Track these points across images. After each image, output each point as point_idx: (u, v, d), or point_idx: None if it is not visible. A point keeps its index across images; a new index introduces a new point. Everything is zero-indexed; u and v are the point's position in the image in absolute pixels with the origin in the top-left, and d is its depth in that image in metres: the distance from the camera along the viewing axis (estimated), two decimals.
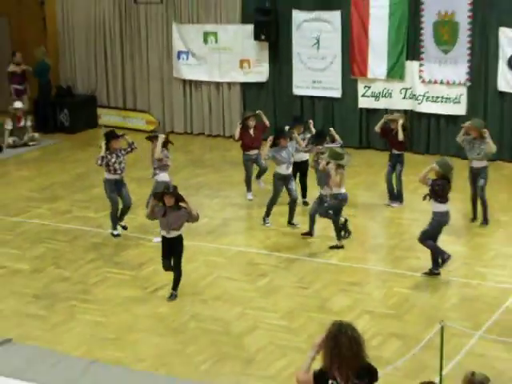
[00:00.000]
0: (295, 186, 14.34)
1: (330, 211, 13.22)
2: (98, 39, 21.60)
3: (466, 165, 14.54)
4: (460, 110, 17.82)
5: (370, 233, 14.56)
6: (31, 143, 19.97)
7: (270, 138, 14.15)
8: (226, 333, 10.66)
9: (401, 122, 14.84)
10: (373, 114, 18.48)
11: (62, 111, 21.15)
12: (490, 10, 17.28)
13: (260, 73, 19.76)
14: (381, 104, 18.55)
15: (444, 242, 12.36)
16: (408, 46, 18.21)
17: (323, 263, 12.84)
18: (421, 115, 18.37)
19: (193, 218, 11.44)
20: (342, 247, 13.27)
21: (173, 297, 11.62)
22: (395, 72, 18.34)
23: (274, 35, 19.22)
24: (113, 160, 13.64)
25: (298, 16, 19.01)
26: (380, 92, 18.57)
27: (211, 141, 20.39)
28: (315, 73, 19.06)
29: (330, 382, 6.02)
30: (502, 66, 17.34)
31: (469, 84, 17.75)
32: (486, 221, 14.17)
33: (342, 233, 13.44)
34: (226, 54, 19.95)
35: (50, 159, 19.04)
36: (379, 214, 15.07)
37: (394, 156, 15.04)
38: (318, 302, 11.49)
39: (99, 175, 14.74)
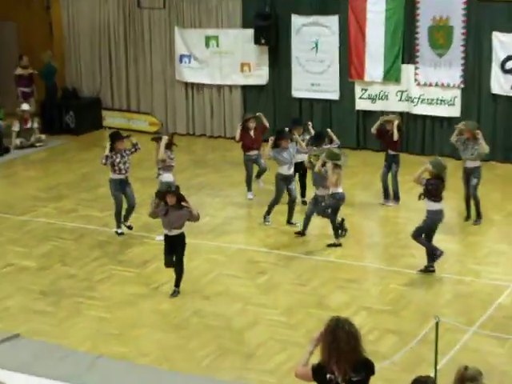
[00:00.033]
0: (295, 185, 14.46)
1: (328, 210, 13.35)
2: (103, 43, 21.51)
3: (459, 165, 14.64)
4: (454, 111, 17.83)
5: (366, 231, 14.66)
6: (38, 144, 19.97)
7: (271, 138, 14.25)
8: (227, 328, 10.77)
9: (396, 122, 14.91)
10: (369, 115, 18.44)
11: (68, 113, 21.11)
12: (484, 15, 17.32)
13: (260, 76, 19.75)
14: (377, 106, 18.53)
15: (438, 239, 12.42)
16: (404, 50, 18.21)
17: (321, 261, 12.93)
18: (416, 117, 18.38)
19: (194, 217, 11.54)
20: (339, 245, 13.36)
21: (175, 293, 11.72)
22: (391, 75, 18.36)
23: (273, 39, 19.21)
24: (118, 160, 13.74)
25: (297, 21, 18.99)
26: (376, 94, 18.56)
27: (213, 142, 20.33)
28: (314, 76, 19.03)
29: (327, 375, 6.11)
30: (495, 69, 17.38)
31: (463, 87, 17.78)
32: (479, 215, 14.25)
33: (339, 231, 13.55)
34: (227, 58, 19.93)
35: (56, 160, 19.03)
36: (376, 213, 15.11)
37: (390, 156, 15.12)
38: (317, 298, 11.59)
39: (104, 175, 14.80)
